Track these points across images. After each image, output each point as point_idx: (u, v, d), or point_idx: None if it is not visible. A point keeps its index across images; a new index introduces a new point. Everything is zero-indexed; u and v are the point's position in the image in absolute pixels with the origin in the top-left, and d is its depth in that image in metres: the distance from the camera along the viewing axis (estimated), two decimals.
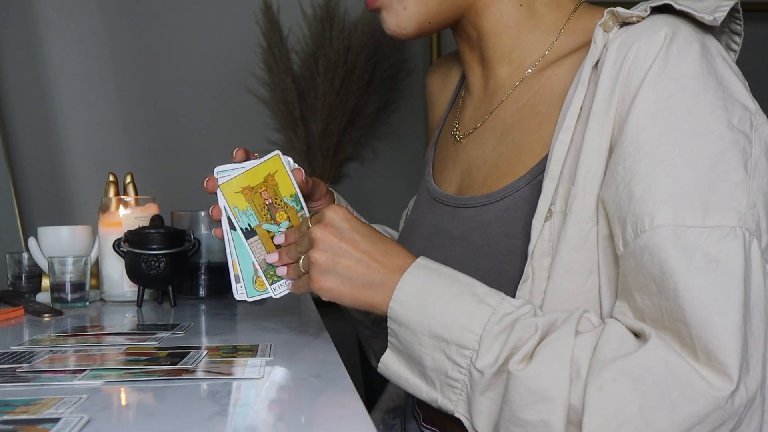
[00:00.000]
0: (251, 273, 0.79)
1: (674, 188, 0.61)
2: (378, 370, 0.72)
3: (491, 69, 0.84)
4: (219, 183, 0.78)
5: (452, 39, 0.88)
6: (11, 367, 0.67)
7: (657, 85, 0.64)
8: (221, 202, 0.79)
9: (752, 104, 0.66)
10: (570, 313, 0.65)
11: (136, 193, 1.32)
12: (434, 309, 0.66)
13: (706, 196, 0.61)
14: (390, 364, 0.71)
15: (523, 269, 0.71)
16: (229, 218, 0.79)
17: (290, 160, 0.82)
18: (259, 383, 0.62)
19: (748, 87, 0.67)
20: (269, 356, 0.72)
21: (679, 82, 0.64)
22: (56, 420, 0.49)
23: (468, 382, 0.64)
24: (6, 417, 0.50)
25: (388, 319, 0.69)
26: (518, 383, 0.61)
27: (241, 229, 0.79)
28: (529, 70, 0.81)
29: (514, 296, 0.70)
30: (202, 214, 1.29)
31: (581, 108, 0.70)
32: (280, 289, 0.79)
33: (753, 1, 2.38)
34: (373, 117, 2.32)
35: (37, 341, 0.83)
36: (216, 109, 2.28)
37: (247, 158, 0.81)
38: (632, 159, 0.64)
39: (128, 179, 1.34)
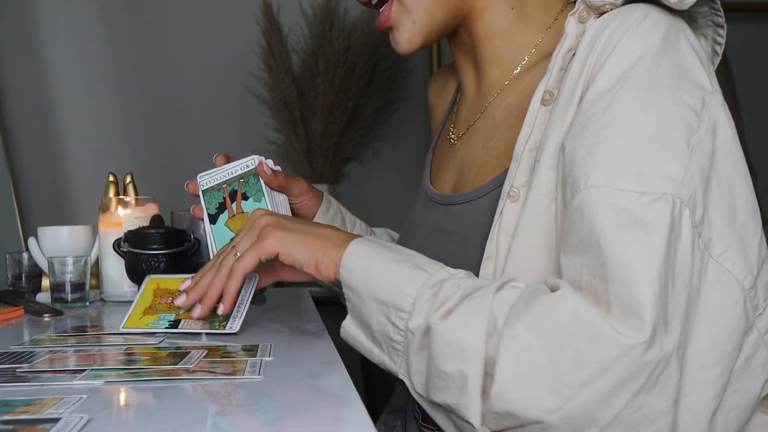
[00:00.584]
0: None
1: (611, 154, 0.63)
2: (341, 335, 0.74)
3: (483, 71, 0.87)
4: (201, 188, 0.90)
5: (449, 47, 0.91)
6: (11, 367, 0.67)
7: (615, 64, 0.66)
8: (203, 205, 0.89)
9: (709, 85, 0.66)
10: (497, 279, 0.66)
11: (136, 193, 1.32)
12: (376, 274, 0.69)
13: (641, 164, 0.62)
14: (348, 328, 0.73)
15: None
16: (209, 215, 0.89)
17: (270, 162, 0.91)
18: (259, 383, 0.62)
19: (711, 72, 0.69)
20: (269, 356, 0.72)
21: (636, 60, 0.66)
22: (56, 420, 0.49)
23: (406, 344, 0.66)
24: (6, 417, 0.50)
25: (342, 285, 0.72)
26: (437, 336, 0.62)
27: (215, 218, 0.88)
28: (517, 70, 0.84)
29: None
30: None
31: (550, 93, 0.72)
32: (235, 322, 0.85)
33: (753, 1, 2.38)
34: (373, 117, 2.32)
35: (37, 341, 0.83)
36: (216, 109, 2.28)
37: (228, 161, 0.91)
38: (582, 127, 0.66)
39: (128, 179, 1.34)
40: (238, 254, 0.77)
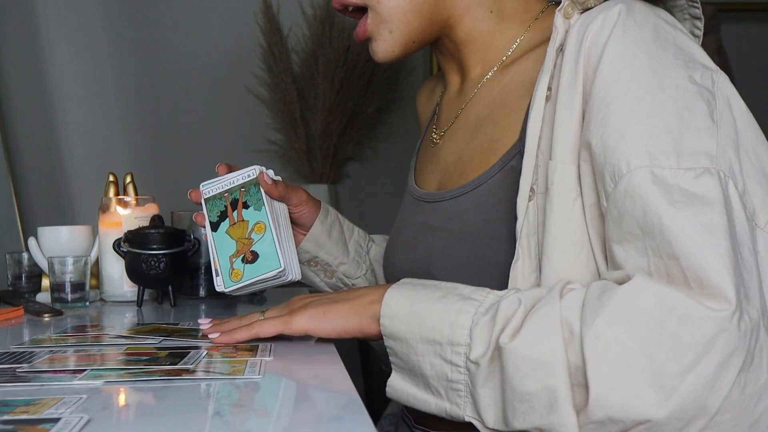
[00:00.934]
0: (227, 266, 0.89)
1: (646, 134, 0.62)
2: (387, 394, 0.71)
3: (467, 73, 0.89)
4: (204, 197, 0.92)
5: (435, 55, 0.92)
6: (11, 367, 0.67)
7: (618, 49, 0.66)
8: (205, 213, 0.91)
9: (712, 64, 0.67)
10: (554, 285, 0.63)
11: (136, 193, 1.32)
12: (421, 314, 0.66)
13: (677, 142, 0.61)
14: (396, 385, 0.70)
15: (501, 251, 0.73)
16: (211, 223, 0.90)
17: (271, 172, 0.93)
18: (259, 383, 0.62)
19: (706, 54, 0.69)
20: (269, 356, 0.72)
21: (640, 45, 0.66)
22: (56, 420, 0.49)
23: (469, 381, 0.63)
24: (6, 417, 0.50)
25: (384, 338, 0.69)
26: (512, 355, 0.59)
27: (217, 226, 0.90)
28: (496, 67, 0.85)
29: (495, 278, 0.72)
30: None
31: (549, 89, 0.71)
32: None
33: (753, 0, 2.38)
34: (373, 117, 2.32)
35: (37, 341, 0.83)
36: (216, 109, 2.28)
37: (230, 171, 0.94)
38: (603, 115, 0.65)
39: (128, 179, 1.34)
40: (264, 317, 0.80)
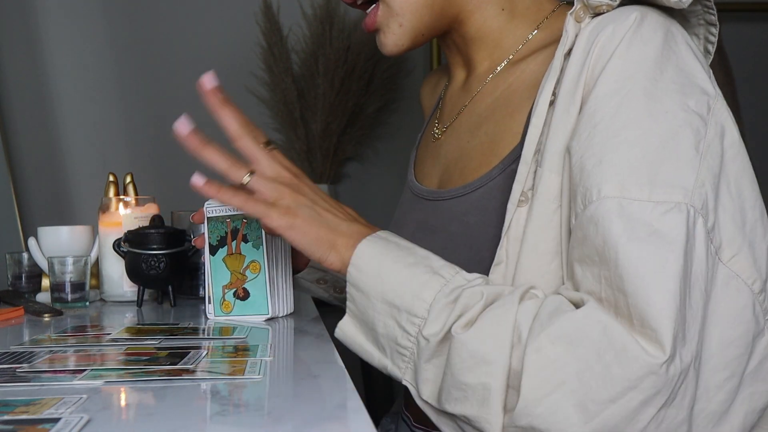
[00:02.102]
0: (219, 296, 0.92)
1: (623, 162, 0.62)
2: (335, 335, 0.73)
3: (473, 68, 0.88)
4: (207, 215, 0.89)
5: (441, 48, 0.92)
6: (11, 367, 0.67)
7: (617, 68, 0.66)
8: (206, 233, 0.89)
9: (712, 89, 0.66)
10: (517, 287, 0.65)
11: (136, 193, 1.32)
12: (389, 276, 0.67)
13: (653, 172, 0.61)
14: (346, 329, 0.72)
15: (501, 254, 0.72)
16: (210, 245, 0.90)
17: None
18: (259, 383, 0.62)
19: (711, 75, 0.68)
20: (269, 356, 0.72)
21: (639, 64, 0.65)
22: (56, 420, 0.49)
23: (416, 351, 0.65)
24: (6, 417, 0.50)
25: (347, 284, 0.70)
26: (459, 346, 0.61)
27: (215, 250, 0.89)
28: (503, 64, 0.84)
29: (497, 282, 0.71)
30: None
31: (554, 94, 0.71)
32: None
33: (753, 0, 2.38)
34: (373, 117, 2.32)
35: (37, 341, 0.83)
36: None
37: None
38: (587, 135, 0.65)
39: (128, 179, 1.34)
40: (249, 181, 0.75)
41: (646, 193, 0.61)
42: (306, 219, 0.73)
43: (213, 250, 0.86)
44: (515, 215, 0.71)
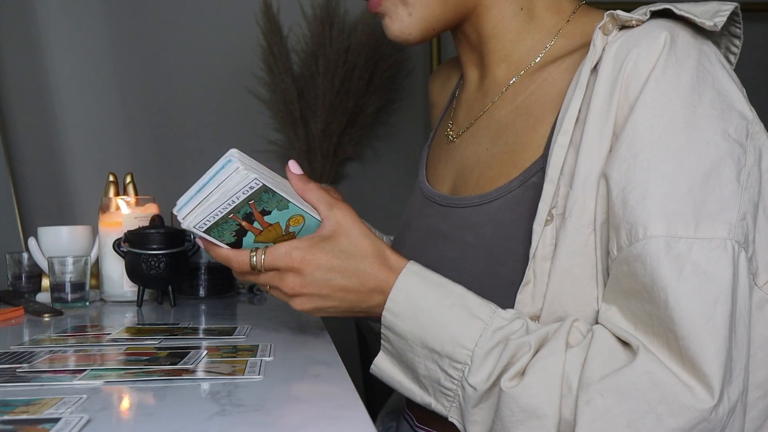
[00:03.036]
0: None
1: (668, 198, 0.62)
2: (371, 371, 0.72)
3: (488, 69, 0.85)
4: (201, 230, 0.70)
5: (453, 40, 0.89)
6: (11, 367, 0.67)
7: (655, 93, 0.64)
8: (213, 241, 0.72)
9: (749, 113, 0.66)
10: (560, 324, 0.65)
11: (136, 193, 1.33)
12: (426, 321, 0.67)
13: (698, 207, 0.61)
14: (383, 366, 0.71)
15: (518, 271, 0.71)
16: (229, 244, 0.73)
17: (293, 164, 0.75)
18: (259, 383, 0.62)
19: (745, 94, 0.68)
20: (269, 356, 0.72)
21: (677, 91, 0.64)
22: (56, 420, 0.49)
23: (460, 393, 0.66)
24: (6, 417, 0.50)
25: (382, 326, 0.70)
26: (510, 400, 0.62)
27: (239, 244, 0.73)
28: (523, 71, 0.81)
29: (510, 299, 0.70)
30: None
31: (579, 111, 0.70)
32: None
33: (753, 1, 2.38)
34: (373, 117, 2.32)
35: (37, 341, 0.83)
36: (216, 109, 2.28)
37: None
38: (627, 165, 0.64)
39: (128, 179, 1.34)
40: (263, 269, 0.71)
41: (692, 230, 0.61)
42: (325, 301, 0.72)
43: (237, 245, 0.72)
44: (543, 235, 0.69)
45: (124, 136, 2.24)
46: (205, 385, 0.61)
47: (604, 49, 0.69)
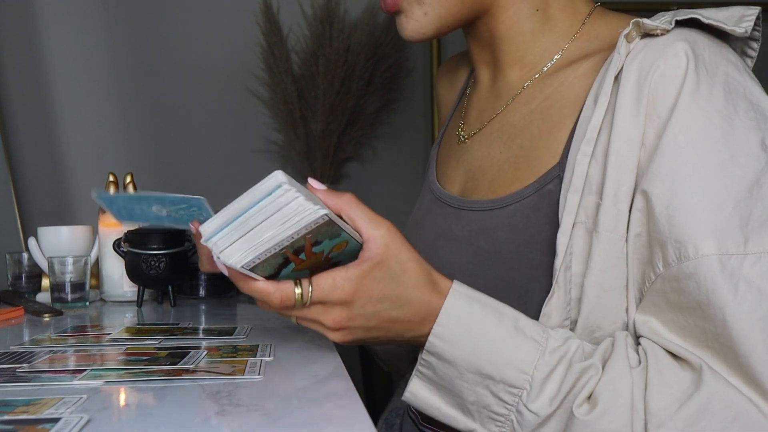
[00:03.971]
0: None
1: (716, 215, 0.62)
2: (404, 398, 0.70)
3: (501, 71, 0.83)
4: (248, 267, 0.59)
5: (453, 39, 0.88)
6: (11, 367, 0.67)
7: (692, 107, 0.64)
8: (251, 275, 0.61)
9: None
10: (612, 341, 0.65)
11: None
12: (479, 345, 0.64)
13: (744, 222, 0.61)
14: (419, 393, 0.68)
15: (532, 279, 0.71)
16: (266, 277, 0.63)
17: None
18: (259, 383, 0.62)
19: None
20: (269, 356, 0.72)
21: (712, 103, 0.64)
22: (56, 420, 0.49)
23: (514, 419, 0.64)
24: (6, 417, 0.50)
25: (425, 352, 0.66)
26: (584, 427, 0.61)
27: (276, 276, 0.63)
28: (539, 74, 0.80)
29: (523, 306, 0.69)
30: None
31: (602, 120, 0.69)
32: None
33: (754, 1, 2.38)
34: (373, 117, 2.32)
35: (37, 341, 0.83)
36: (216, 109, 2.28)
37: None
38: (670, 182, 0.64)
39: (128, 179, 1.34)
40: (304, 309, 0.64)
41: (742, 246, 0.61)
42: (362, 331, 0.66)
43: (273, 277, 0.62)
44: (572, 246, 0.68)
45: (124, 136, 2.24)
46: (205, 385, 0.61)
47: (627, 57, 0.68)
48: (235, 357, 0.72)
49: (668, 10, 0.72)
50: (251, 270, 0.60)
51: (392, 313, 0.65)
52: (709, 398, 0.60)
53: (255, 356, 0.72)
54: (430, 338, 0.65)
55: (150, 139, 2.24)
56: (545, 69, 0.79)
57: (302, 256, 0.60)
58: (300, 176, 2.29)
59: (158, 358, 0.70)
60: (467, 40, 0.86)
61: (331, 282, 0.62)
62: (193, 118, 2.27)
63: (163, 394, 0.58)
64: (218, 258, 0.59)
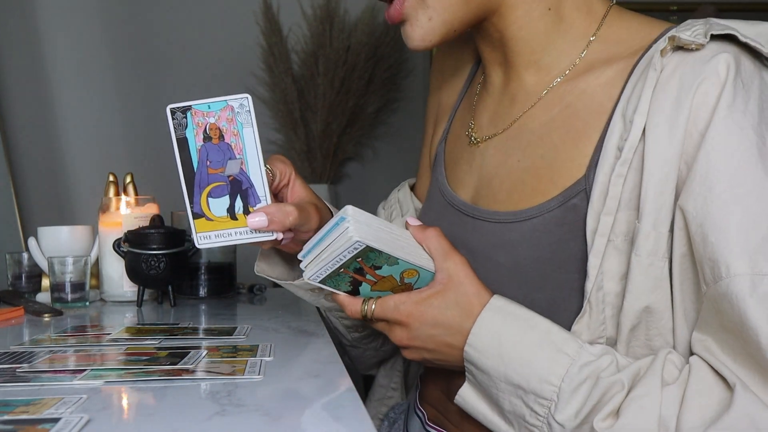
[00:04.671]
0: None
1: (748, 234, 0.61)
2: (455, 401, 0.71)
3: (515, 73, 0.80)
4: (316, 280, 0.72)
5: (474, 35, 0.83)
6: (11, 367, 0.67)
7: (728, 122, 0.63)
8: (328, 289, 0.74)
9: None
10: (653, 358, 0.64)
11: (136, 193, 1.32)
12: (511, 357, 0.65)
13: None
14: (468, 398, 0.70)
15: (556, 298, 0.70)
16: (346, 292, 0.74)
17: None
18: (259, 383, 0.62)
19: None
20: (269, 356, 0.72)
21: (748, 119, 0.63)
22: (56, 420, 0.49)
23: (546, 430, 0.64)
24: (6, 417, 0.50)
25: (465, 360, 0.69)
26: None
27: (356, 292, 0.74)
28: (558, 79, 0.77)
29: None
30: None
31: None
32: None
33: (754, 1, 2.38)
34: (373, 117, 2.32)
35: (37, 341, 0.83)
36: None
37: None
38: (703, 200, 0.62)
39: (128, 179, 1.34)
40: (373, 315, 0.72)
41: None
42: (425, 354, 0.72)
43: (354, 293, 0.74)
44: (604, 265, 0.67)
45: (124, 136, 2.24)
46: (205, 385, 0.61)
47: (661, 73, 0.67)
48: (235, 357, 0.72)
49: (667, 10, 0.72)
50: (321, 282, 0.72)
51: (446, 339, 0.69)
52: (739, 419, 0.58)
53: (255, 356, 0.72)
54: (465, 347, 0.68)
55: (150, 139, 2.24)
56: (565, 74, 0.77)
57: (369, 276, 0.70)
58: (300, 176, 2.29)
59: (158, 358, 0.70)
60: (476, 40, 0.83)
61: (392, 303, 0.70)
62: None
63: (163, 394, 0.58)
64: (302, 271, 0.72)
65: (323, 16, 2.24)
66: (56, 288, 1.17)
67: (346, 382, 0.63)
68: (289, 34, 2.29)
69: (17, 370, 0.66)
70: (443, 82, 0.97)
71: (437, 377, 0.84)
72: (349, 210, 0.68)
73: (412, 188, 1.06)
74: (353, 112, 2.27)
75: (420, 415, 0.87)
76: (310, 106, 2.26)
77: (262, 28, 2.24)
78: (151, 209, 1.29)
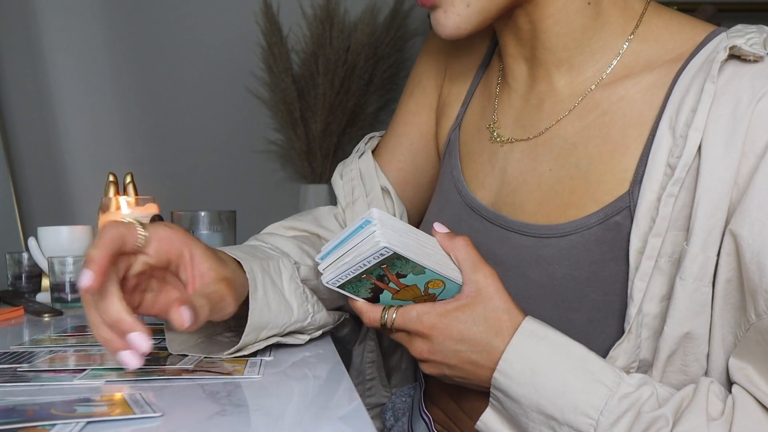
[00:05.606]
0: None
1: None
2: (476, 427, 0.68)
3: (544, 71, 0.75)
4: (335, 285, 0.68)
5: (496, 27, 0.77)
6: (11, 367, 0.67)
7: None
8: (347, 294, 0.70)
9: None
10: (695, 389, 0.61)
11: (136, 193, 1.32)
12: (544, 386, 0.61)
13: None
14: (492, 424, 0.66)
15: (593, 320, 0.67)
16: (366, 299, 0.70)
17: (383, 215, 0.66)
18: (259, 383, 0.62)
19: None
20: (269, 356, 0.72)
21: None
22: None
23: None
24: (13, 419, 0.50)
25: (492, 386, 0.65)
26: None
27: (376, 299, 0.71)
28: (594, 85, 0.72)
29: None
30: (202, 214, 1.29)
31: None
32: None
33: (754, 1, 2.38)
34: (373, 117, 2.32)
35: (37, 341, 0.83)
36: (216, 109, 2.28)
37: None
38: (762, 226, 0.58)
39: (128, 179, 1.34)
40: (394, 324, 0.67)
41: None
42: (454, 371, 0.67)
43: (373, 300, 0.70)
44: (650, 288, 0.64)
45: (124, 136, 2.24)
46: (205, 385, 0.61)
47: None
48: (235, 357, 0.72)
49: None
50: (342, 288, 0.68)
51: (471, 356, 0.65)
52: None
53: (255, 356, 0.72)
54: (495, 374, 0.64)
55: (150, 139, 2.24)
56: (602, 78, 0.71)
57: (392, 285, 0.66)
58: (300, 176, 2.29)
59: (158, 358, 0.70)
60: (500, 33, 0.76)
61: (414, 314, 0.66)
62: (193, 118, 2.27)
63: (163, 394, 0.58)
64: (320, 275, 0.68)
65: (323, 16, 2.24)
66: (56, 288, 1.17)
67: (346, 382, 0.63)
68: (289, 34, 2.29)
69: (17, 369, 0.66)
70: (450, 56, 0.89)
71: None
72: (375, 213, 0.64)
73: (374, 153, 0.94)
74: (353, 112, 2.27)
75: (426, 419, 0.84)
76: (310, 106, 2.26)
77: (262, 28, 2.24)
78: (151, 209, 1.28)
